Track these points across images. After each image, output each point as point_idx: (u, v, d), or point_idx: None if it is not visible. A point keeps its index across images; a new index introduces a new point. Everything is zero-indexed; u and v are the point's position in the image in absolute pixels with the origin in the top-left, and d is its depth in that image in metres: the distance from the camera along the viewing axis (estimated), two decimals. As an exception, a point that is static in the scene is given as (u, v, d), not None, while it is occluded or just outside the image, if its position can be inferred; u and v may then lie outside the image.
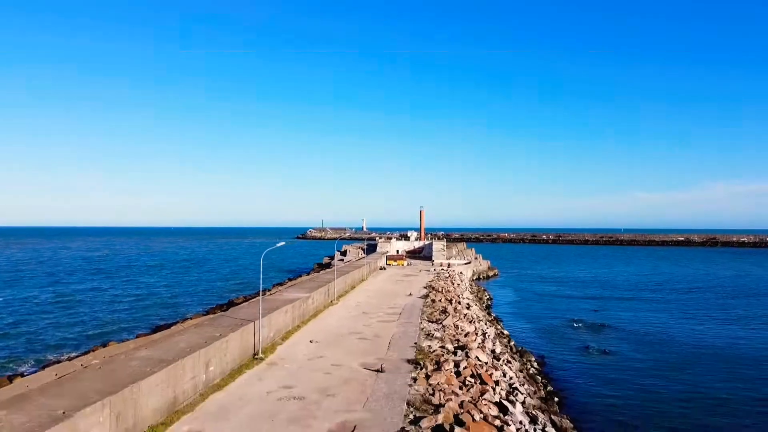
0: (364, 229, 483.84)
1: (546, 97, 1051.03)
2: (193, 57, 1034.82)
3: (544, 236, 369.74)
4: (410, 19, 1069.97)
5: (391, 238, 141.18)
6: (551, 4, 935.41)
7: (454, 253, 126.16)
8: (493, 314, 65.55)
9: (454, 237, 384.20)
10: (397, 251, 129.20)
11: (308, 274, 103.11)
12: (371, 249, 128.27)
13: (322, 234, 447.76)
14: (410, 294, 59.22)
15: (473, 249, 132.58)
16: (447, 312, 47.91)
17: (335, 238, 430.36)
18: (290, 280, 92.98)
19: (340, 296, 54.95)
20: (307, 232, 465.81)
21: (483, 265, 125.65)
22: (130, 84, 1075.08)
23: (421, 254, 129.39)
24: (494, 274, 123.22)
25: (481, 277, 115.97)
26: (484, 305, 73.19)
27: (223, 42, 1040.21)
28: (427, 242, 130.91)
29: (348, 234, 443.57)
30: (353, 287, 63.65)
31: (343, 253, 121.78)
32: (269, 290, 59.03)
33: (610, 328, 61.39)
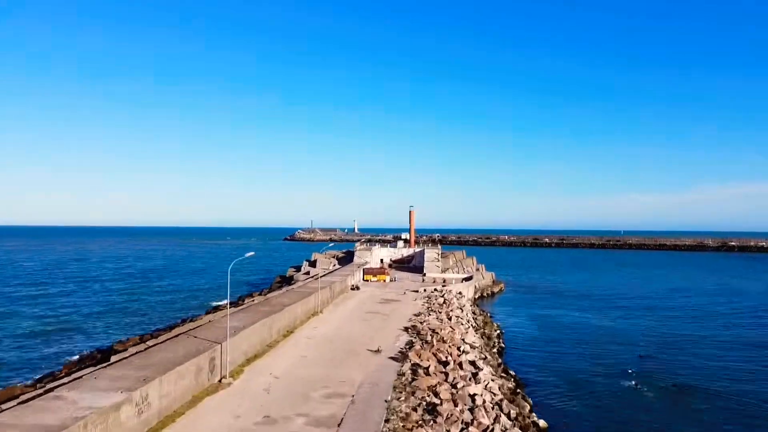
0: (356, 230, 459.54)
1: (543, 98, 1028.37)
2: (184, 55, 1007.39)
3: (547, 239, 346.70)
4: (405, 18, 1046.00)
5: (374, 242, 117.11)
6: (549, 4, 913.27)
7: (451, 263, 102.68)
8: (511, 372, 41.98)
9: (450, 240, 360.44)
10: (381, 261, 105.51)
11: (260, 293, 79.29)
12: (349, 257, 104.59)
13: (311, 236, 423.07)
14: (378, 350, 35.63)
15: (474, 258, 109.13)
16: (437, 410, 24.34)
17: (325, 240, 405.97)
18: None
19: (249, 359, 31.30)
20: (296, 233, 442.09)
21: (486, 278, 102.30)
22: (126, 83, 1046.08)
23: (411, 264, 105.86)
24: (500, 290, 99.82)
25: (485, 293, 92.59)
26: (494, 349, 49.91)
27: (215, 40, 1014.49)
28: (417, 249, 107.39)
29: (338, 236, 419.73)
30: (290, 332, 40.01)
31: (313, 263, 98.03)
32: (124, 344, 35.32)
33: (689, 389, 38.66)
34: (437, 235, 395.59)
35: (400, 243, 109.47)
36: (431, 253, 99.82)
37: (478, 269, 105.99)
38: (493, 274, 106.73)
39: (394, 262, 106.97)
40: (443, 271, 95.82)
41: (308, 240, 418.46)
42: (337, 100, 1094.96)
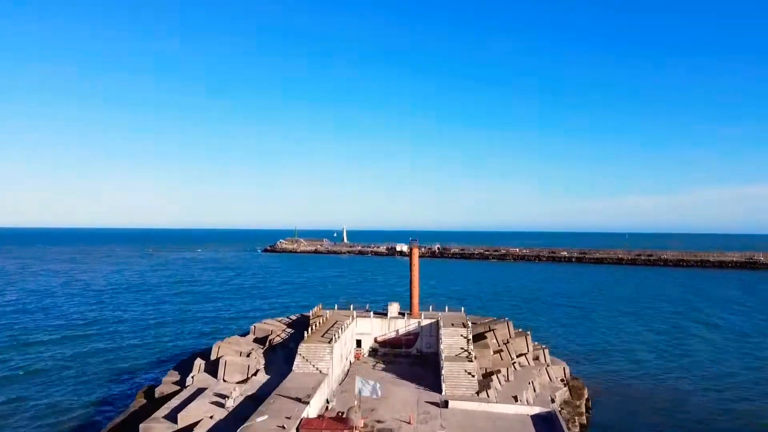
0: (345, 239, 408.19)
1: (542, 99, 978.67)
2: (173, 54, 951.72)
3: (565, 252, 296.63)
4: (403, 18, 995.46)
5: (348, 310, 66.30)
6: (549, 5, 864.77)
7: (492, 352, 52.90)
8: None
9: (452, 252, 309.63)
10: (358, 344, 56.04)
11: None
12: (294, 340, 54.19)
13: (295, 246, 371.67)
14: None
15: (528, 334, 59.24)
16: None
17: (309, 252, 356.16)
18: None
19: None
20: (277, 243, 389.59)
21: (554, 377, 53.47)
22: (121, 82, 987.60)
23: (413, 350, 56.58)
24: (587, 408, 50.54)
25: (570, 426, 42.98)
26: None
27: (201, 39, 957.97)
28: (425, 322, 57.71)
29: (325, 246, 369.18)
30: None
31: (213, 366, 47.62)
32: None
33: None
34: (437, 245, 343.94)
35: (393, 308, 59.37)
36: (453, 337, 50.14)
37: (537, 357, 56.82)
38: (566, 368, 57.46)
39: (383, 344, 57.54)
40: (484, 377, 46.32)
41: (291, 251, 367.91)
42: (334, 99, 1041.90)
